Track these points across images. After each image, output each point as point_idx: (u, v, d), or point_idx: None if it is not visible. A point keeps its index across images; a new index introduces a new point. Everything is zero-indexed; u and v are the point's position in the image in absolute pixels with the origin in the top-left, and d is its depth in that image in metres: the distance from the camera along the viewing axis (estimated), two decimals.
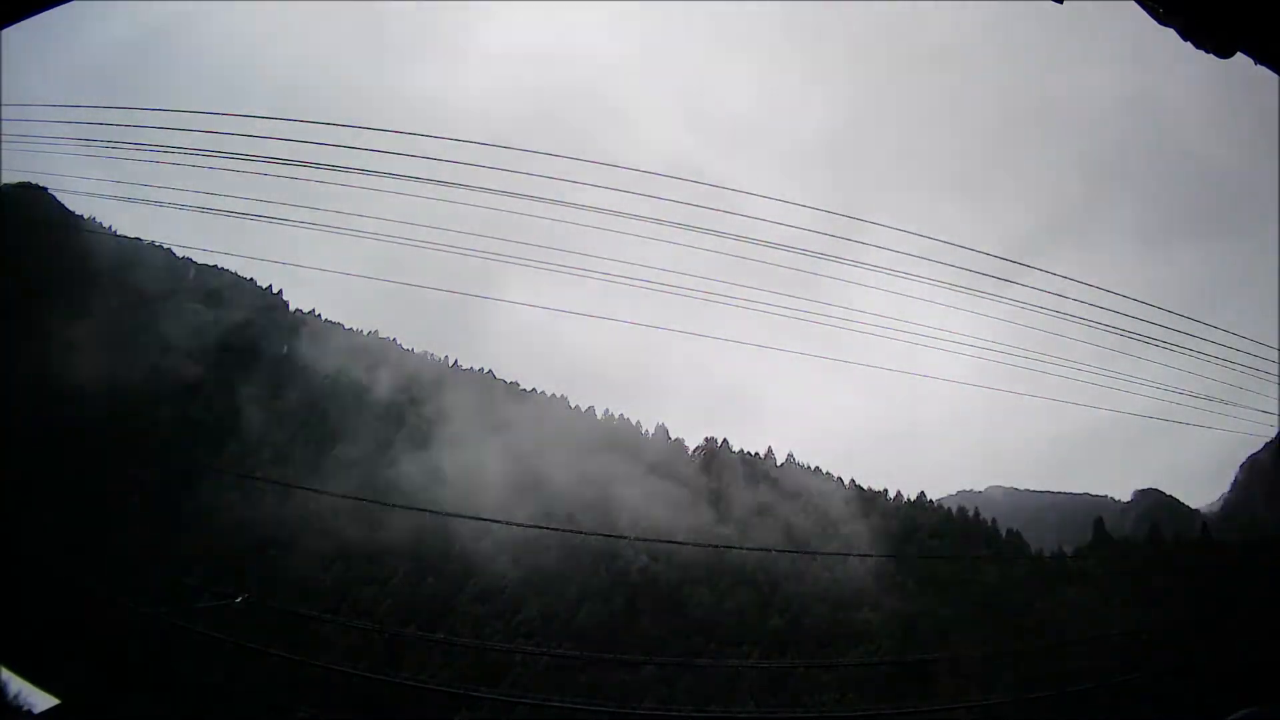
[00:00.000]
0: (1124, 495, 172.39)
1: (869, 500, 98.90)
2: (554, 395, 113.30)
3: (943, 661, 65.29)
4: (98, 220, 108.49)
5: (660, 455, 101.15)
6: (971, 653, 64.86)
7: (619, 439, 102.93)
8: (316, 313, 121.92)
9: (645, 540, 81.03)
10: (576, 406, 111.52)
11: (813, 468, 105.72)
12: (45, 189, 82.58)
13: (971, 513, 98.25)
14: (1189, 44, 3.40)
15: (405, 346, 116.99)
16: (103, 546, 56.03)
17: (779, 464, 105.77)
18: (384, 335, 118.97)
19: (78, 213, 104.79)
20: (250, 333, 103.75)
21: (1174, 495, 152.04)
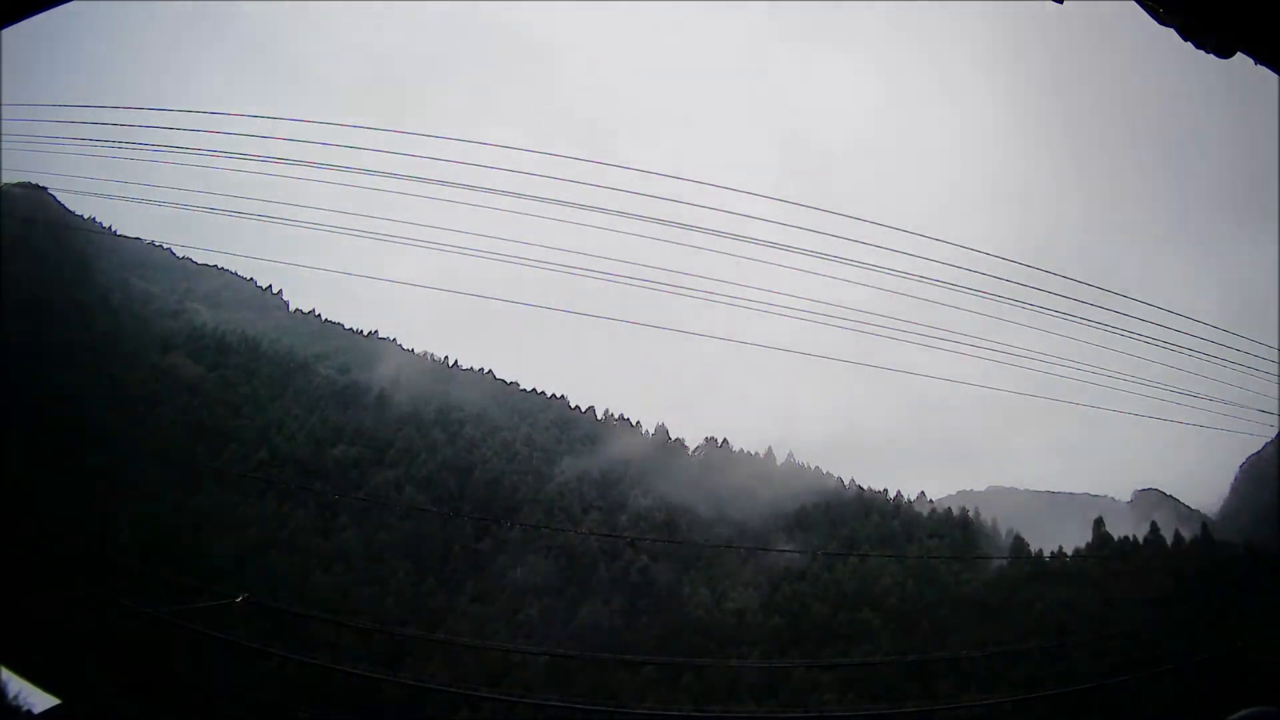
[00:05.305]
0: (1124, 495, 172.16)
1: (869, 500, 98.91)
2: (554, 395, 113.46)
3: (943, 661, 65.27)
4: (98, 220, 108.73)
5: (660, 455, 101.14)
6: (971, 653, 64.86)
7: (619, 439, 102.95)
8: (317, 313, 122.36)
9: (645, 540, 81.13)
10: (577, 406, 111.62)
11: (812, 468, 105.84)
12: (45, 189, 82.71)
13: (971, 513, 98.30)
14: (1189, 44, 3.40)
15: (405, 346, 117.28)
16: (103, 546, 56.06)
17: (779, 464, 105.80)
18: (384, 335, 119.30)
19: (78, 213, 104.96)
20: (249, 332, 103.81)
21: (1174, 495, 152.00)
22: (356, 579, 71.56)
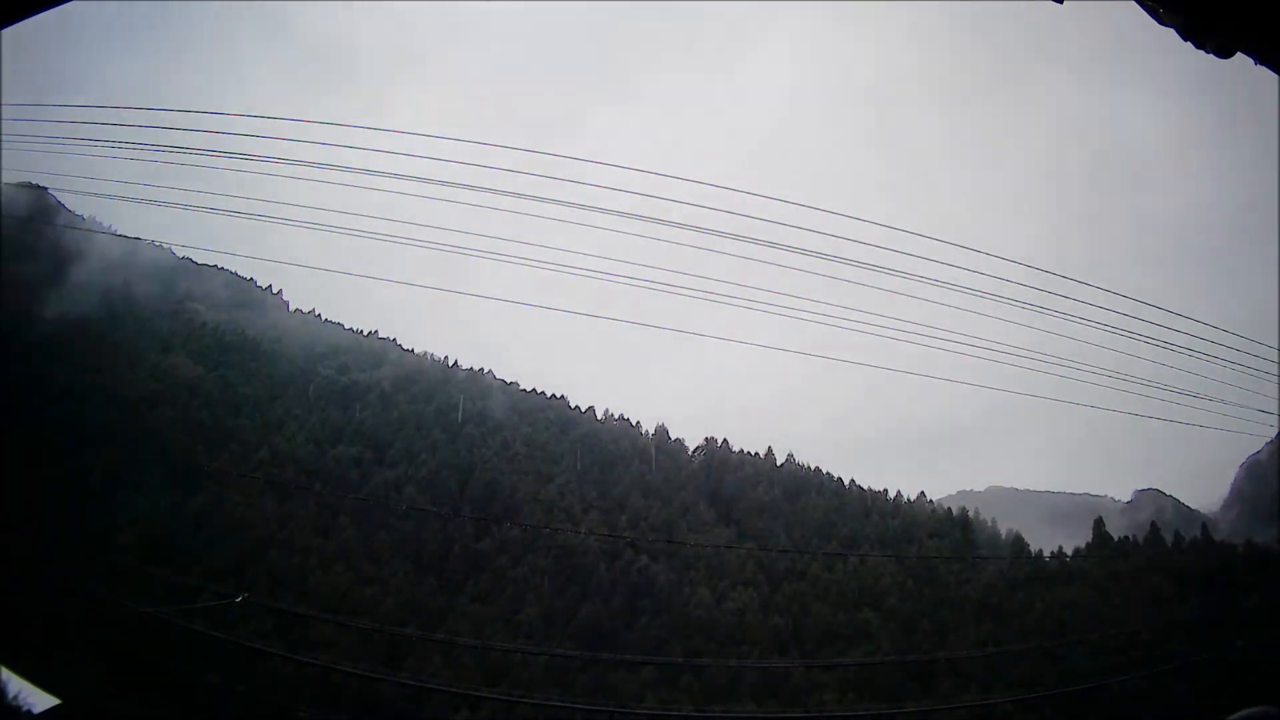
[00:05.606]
0: (1124, 495, 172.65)
1: (869, 500, 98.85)
2: (554, 395, 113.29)
3: (943, 661, 65.30)
4: (98, 220, 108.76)
5: (660, 455, 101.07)
6: (971, 653, 64.88)
7: (619, 439, 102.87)
8: (317, 313, 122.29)
9: (645, 540, 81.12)
10: (576, 406, 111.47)
11: (813, 468, 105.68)
12: (45, 189, 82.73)
13: (972, 513, 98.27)
14: (1189, 44, 3.40)
15: (405, 346, 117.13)
16: (103, 547, 56.07)
17: (779, 464, 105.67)
18: (384, 335, 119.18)
19: (78, 213, 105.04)
20: (249, 332, 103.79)
21: (1174, 495, 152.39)
22: (356, 579, 71.51)
